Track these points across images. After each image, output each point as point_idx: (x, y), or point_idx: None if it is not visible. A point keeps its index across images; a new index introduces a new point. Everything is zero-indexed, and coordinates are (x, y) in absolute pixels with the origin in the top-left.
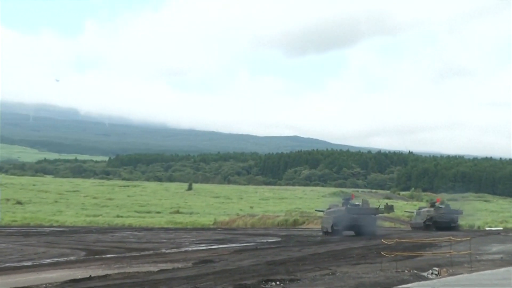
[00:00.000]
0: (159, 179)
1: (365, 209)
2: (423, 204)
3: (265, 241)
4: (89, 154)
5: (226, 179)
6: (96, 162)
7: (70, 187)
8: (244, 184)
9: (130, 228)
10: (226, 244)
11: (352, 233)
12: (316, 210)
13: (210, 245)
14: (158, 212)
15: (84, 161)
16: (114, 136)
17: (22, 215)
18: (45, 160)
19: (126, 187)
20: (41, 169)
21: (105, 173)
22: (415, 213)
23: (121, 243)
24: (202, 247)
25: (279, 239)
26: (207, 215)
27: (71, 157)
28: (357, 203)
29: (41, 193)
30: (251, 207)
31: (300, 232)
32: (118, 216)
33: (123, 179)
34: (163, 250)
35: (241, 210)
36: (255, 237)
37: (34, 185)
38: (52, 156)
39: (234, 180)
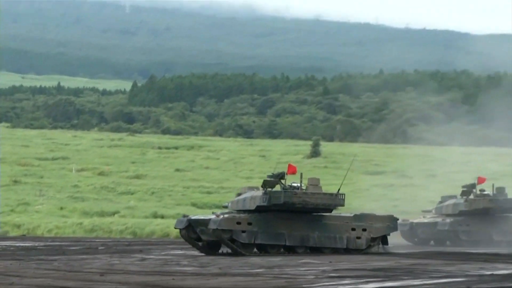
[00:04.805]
0: (248, 132)
1: (310, 197)
2: None
3: (488, 273)
4: (88, 75)
5: (400, 129)
6: (104, 92)
7: (45, 150)
8: (441, 144)
9: (183, 241)
10: (401, 279)
11: None
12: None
13: (364, 283)
14: None
15: (77, 91)
16: (142, 33)
17: None
18: None
19: (171, 150)
20: None
21: (123, 119)
22: (433, 210)
23: (163, 275)
24: (346, 287)
25: None
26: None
27: (47, 81)
28: (295, 184)
29: None
30: None
31: None
32: (154, 216)
33: (165, 131)
34: None
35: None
36: (468, 262)
37: None
38: (3, 79)
39: (416, 132)
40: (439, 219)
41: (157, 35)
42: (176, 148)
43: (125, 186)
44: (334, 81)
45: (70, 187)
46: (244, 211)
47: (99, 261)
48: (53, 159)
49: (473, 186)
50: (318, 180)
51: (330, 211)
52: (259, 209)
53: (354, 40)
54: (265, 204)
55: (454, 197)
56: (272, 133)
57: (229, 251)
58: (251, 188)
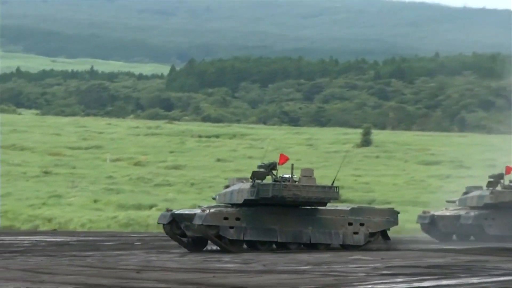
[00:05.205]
0: (294, 120)
1: (301, 191)
2: None
3: None
4: (123, 58)
5: (458, 116)
6: (141, 77)
7: (78, 138)
8: (502, 132)
9: None
10: (458, 277)
11: None
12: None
13: (419, 281)
14: None
15: (111, 76)
16: (181, 14)
17: None
18: (17, 72)
19: (212, 138)
20: (8, 95)
21: (161, 105)
22: (457, 201)
23: (203, 273)
24: (399, 285)
25: None
26: (409, 205)
27: (79, 65)
28: (286, 175)
29: (10, 151)
30: None
31: None
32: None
33: (205, 119)
34: None
35: None
36: None
37: None
38: (32, 62)
39: (475, 119)
40: (462, 212)
41: (197, 16)
42: (217, 136)
43: (163, 177)
44: (386, 64)
45: (104, 178)
46: (232, 205)
47: (136, 257)
48: (86, 148)
49: (500, 176)
50: (311, 171)
51: (325, 204)
52: (247, 203)
53: (408, 20)
54: (253, 197)
55: (480, 188)
56: (319, 120)
57: (217, 248)
58: (240, 180)
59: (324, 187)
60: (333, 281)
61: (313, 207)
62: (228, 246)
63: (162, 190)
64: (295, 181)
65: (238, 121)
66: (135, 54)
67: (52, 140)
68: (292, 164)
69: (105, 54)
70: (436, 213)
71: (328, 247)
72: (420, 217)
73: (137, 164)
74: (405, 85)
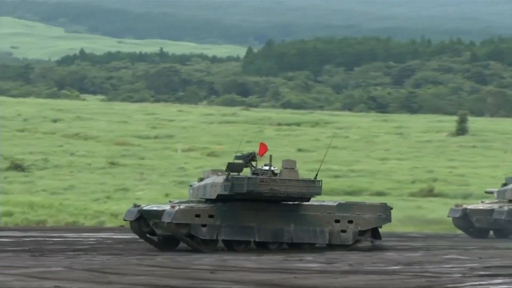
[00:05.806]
0: (382, 106)
1: (279, 185)
2: None
3: None
4: (196, 39)
5: None
6: (215, 60)
7: (147, 127)
8: None
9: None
10: None
11: None
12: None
13: None
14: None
15: (183, 58)
16: None
17: (28, 198)
18: (81, 55)
19: (293, 126)
20: (71, 79)
21: (237, 90)
22: (495, 193)
23: (283, 273)
24: (498, 287)
25: None
26: None
27: (148, 46)
28: (265, 167)
29: (73, 141)
30: None
31: None
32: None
33: (285, 105)
34: None
35: None
36: None
37: (54, 121)
38: (97, 44)
39: None
40: (496, 206)
41: None
42: (298, 124)
43: None
44: (483, 45)
45: (175, 170)
46: (206, 200)
47: (209, 256)
48: (156, 137)
49: None
50: (294, 162)
51: (308, 200)
52: (221, 199)
53: None
54: (226, 193)
55: None
56: (410, 106)
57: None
58: (215, 172)
59: (305, 180)
60: (425, 283)
61: (295, 202)
62: (201, 246)
63: None
64: (275, 174)
65: (321, 108)
66: (209, 34)
67: (119, 129)
68: (270, 156)
69: (176, 35)
70: (469, 207)
71: (313, 247)
72: (451, 210)
73: (211, 154)
74: (505, 67)
